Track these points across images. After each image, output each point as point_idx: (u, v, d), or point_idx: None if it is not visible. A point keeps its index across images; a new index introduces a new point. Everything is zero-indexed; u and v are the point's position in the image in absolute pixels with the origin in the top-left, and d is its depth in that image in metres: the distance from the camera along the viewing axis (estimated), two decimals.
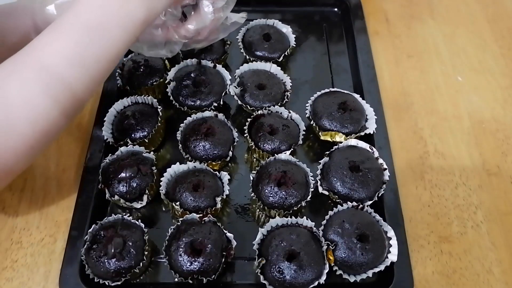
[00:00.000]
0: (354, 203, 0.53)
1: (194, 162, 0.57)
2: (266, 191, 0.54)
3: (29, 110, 0.43)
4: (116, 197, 0.54)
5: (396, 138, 0.64)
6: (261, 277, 0.49)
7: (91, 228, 0.51)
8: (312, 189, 0.55)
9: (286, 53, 0.69)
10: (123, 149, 0.58)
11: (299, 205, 0.54)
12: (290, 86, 0.65)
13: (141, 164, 0.56)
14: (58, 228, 0.55)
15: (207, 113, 0.61)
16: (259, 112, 0.61)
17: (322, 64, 0.73)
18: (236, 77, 0.65)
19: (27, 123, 0.43)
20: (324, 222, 0.53)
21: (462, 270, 0.53)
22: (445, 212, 0.57)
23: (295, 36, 0.72)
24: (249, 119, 0.61)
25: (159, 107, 0.61)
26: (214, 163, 0.58)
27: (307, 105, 0.63)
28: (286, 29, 0.72)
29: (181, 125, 0.60)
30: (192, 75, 0.64)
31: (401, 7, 0.81)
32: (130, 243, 0.50)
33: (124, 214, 0.53)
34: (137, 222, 0.52)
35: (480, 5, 0.81)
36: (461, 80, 0.71)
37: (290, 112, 0.62)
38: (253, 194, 0.55)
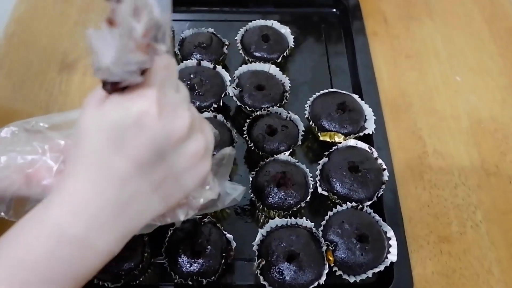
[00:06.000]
0: (354, 204, 0.53)
1: None
2: (266, 191, 0.54)
3: None
4: None
5: (395, 138, 0.64)
6: (261, 278, 0.49)
7: None
8: (312, 190, 0.55)
9: (284, 54, 0.69)
10: None
11: (299, 206, 0.54)
12: (289, 86, 0.65)
13: None
14: None
15: (206, 114, 0.61)
16: (258, 113, 0.61)
17: (320, 65, 0.73)
18: (235, 78, 0.65)
19: None
20: (323, 222, 0.53)
21: (461, 270, 0.53)
22: (445, 212, 0.57)
23: (293, 37, 0.72)
24: (248, 120, 0.61)
25: None
26: None
27: (306, 105, 0.63)
28: (285, 30, 0.72)
29: None
30: (191, 76, 0.64)
31: (400, 8, 0.81)
32: (130, 244, 0.49)
33: None
34: None
35: (477, 6, 0.81)
36: (460, 80, 0.71)
37: (289, 113, 0.62)
38: (252, 195, 0.55)
